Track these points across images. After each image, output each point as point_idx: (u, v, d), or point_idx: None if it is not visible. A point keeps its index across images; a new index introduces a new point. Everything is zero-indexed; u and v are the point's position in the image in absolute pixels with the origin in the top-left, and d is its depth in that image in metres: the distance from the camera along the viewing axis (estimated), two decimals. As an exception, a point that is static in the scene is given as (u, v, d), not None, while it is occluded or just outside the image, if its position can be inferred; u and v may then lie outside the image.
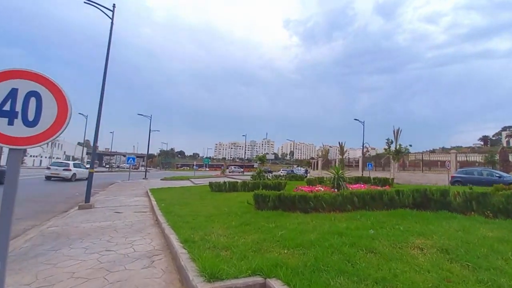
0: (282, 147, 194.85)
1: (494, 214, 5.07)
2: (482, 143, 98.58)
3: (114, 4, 9.65)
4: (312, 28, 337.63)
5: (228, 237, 4.16)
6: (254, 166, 64.96)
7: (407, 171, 24.72)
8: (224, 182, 11.89)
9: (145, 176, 27.65)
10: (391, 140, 23.56)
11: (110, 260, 3.66)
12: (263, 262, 2.97)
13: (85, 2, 9.05)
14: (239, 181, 12.79)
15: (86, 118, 40.98)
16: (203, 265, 2.93)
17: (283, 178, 18.57)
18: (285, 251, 3.42)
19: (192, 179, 23.50)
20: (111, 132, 60.93)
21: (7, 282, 1.74)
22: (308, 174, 34.89)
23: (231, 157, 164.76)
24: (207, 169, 65.30)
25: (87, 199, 8.41)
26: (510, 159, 20.81)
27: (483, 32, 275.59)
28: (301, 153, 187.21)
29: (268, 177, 18.92)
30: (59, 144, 71.89)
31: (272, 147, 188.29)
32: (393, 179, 14.49)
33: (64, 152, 74.42)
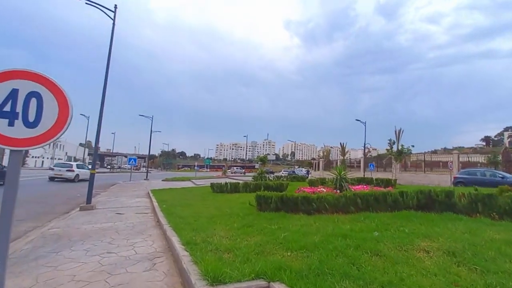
0: (283, 147, 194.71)
1: (500, 216, 5.00)
2: (484, 143, 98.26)
3: (115, 5, 9.65)
4: (313, 29, 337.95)
5: (231, 239, 4.11)
6: (255, 167, 64.93)
7: (408, 171, 24.60)
8: (226, 183, 11.86)
9: (147, 177, 27.68)
10: (393, 140, 23.38)
11: (111, 262, 3.62)
12: (266, 265, 2.92)
13: (86, 3, 9.05)
14: (240, 182, 12.75)
15: (88, 119, 41.10)
16: (206, 268, 2.88)
17: (285, 179, 18.54)
18: (289, 254, 3.37)
19: (193, 180, 23.48)
20: (112, 133, 61.25)
21: (7, 285, 1.71)
22: (310, 175, 34.81)
23: (232, 158, 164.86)
24: (207, 170, 65.36)
25: (89, 200, 8.39)
26: (513, 160, 20.65)
27: (485, 32, 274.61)
28: (302, 153, 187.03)
29: (270, 178, 18.89)
30: (60, 145, 72.12)
31: (273, 147, 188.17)
32: (395, 180, 14.40)
33: (66, 153, 74.63)
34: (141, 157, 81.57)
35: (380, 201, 5.75)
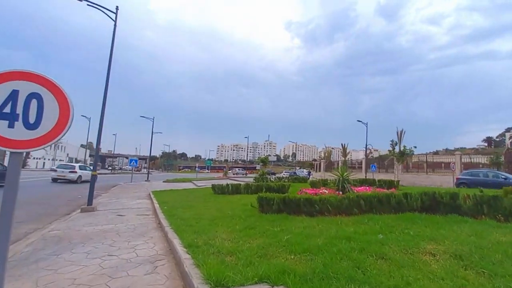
0: (284, 148, 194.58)
1: (505, 218, 4.93)
2: (486, 144, 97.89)
3: (117, 6, 9.65)
4: (313, 30, 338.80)
5: (233, 242, 4.06)
6: (256, 168, 64.86)
7: (410, 173, 24.47)
8: (227, 185, 11.81)
9: (148, 178, 27.69)
10: (396, 141, 23.27)
11: (112, 265, 3.58)
12: (269, 268, 2.87)
13: (88, 5, 9.05)
14: (242, 183, 12.70)
15: (89, 120, 41.25)
16: (208, 272, 2.83)
17: (286, 180, 18.47)
18: (292, 257, 3.32)
19: (194, 181, 23.45)
20: (113, 134, 61.18)
21: (6, 289, 1.67)
22: (311, 176, 34.70)
23: (233, 159, 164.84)
24: (208, 171, 65.30)
25: (90, 201, 8.36)
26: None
27: (485, 34, 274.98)
28: (303, 154, 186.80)
29: (271, 179, 18.83)
30: (62, 146, 72.31)
31: (274, 148, 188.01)
32: (398, 181, 14.30)
33: (67, 154, 74.79)
34: (142, 158, 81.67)
35: (383, 203, 5.69)
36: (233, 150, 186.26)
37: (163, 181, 24.67)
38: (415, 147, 22.73)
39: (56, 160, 64.45)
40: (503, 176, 15.02)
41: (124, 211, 8.16)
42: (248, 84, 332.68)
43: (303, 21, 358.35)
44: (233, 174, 53.23)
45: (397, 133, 24.17)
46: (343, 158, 37.76)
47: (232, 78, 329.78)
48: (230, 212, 6.53)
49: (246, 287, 2.60)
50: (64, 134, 2.06)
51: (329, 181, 11.42)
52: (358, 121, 32.95)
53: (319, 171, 40.13)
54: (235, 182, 13.93)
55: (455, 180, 17.05)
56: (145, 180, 25.82)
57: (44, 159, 65.77)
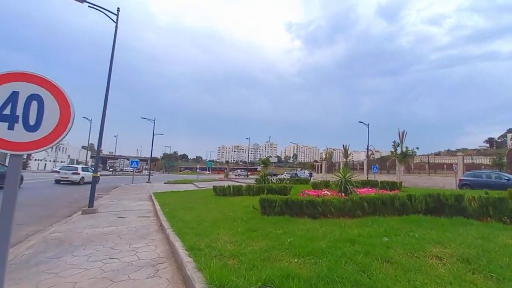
0: (285, 150, 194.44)
1: (511, 220, 4.86)
2: (487, 145, 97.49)
3: (118, 8, 9.65)
4: (314, 31, 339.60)
5: (235, 244, 4.01)
6: (257, 169, 64.77)
7: (412, 174, 24.35)
8: (229, 186, 11.75)
9: (149, 180, 27.67)
10: (398, 142, 23.12)
11: (113, 268, 3.53)
12: (273, 272, 2.82)
13: (89, 6, 9.06)
14: (243, 185, 12.65)
15: (90, 122, 41.32)
16: (211, 276, 2.79)
17: (288, 182, 18.41)
18: (296, 260, 3.26)
19: (195, 183, 23.42)
20: (115, 136, 61.34)
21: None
22: (312, 177, 34.60)
23: (234, 160, 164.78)
24: (209, 172, 65.24)
25: (91, 203, 8.32)
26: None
27: (486, 34, 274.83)
28: (304, 156, 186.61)
29: (273, 180, 18.76)
30: (63, 147, 72.46)
31: (275, 150, 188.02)
32: (401, 182, 14.20)
33: (69, 155, 74.94)
34: (143, 159, 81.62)
35: (387, 205, 5.62)
36: (234, 151, 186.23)
37: (164, 183, 24.64)
38: (418, 148, 22.59)
39: (58, 161, 64.61)
40: (506, 177, 14.90)
41: (125, 213, 8.12)
42: (248, 86, 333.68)
43: (303, 23, 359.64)
44: (235, 175, 53.16)
45: (399, 134, 24.03)
46: (345, 159, 37.60)
47: (233, 80, 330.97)
48: (232, 214, 6.48)
49: (250, 291, 2.55)
50: (65, 136, 2.03)
51: (331, 183, 11.34)
52: (359, 122, 32.84)
53: (321, 172, 40.03)
54: (237, 184, 13.87)
55: (457, 182, 16.93)
56: (146, 182, 25.80)
57: (46, 160, 65.91)
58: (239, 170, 65.84)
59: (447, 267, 2.96)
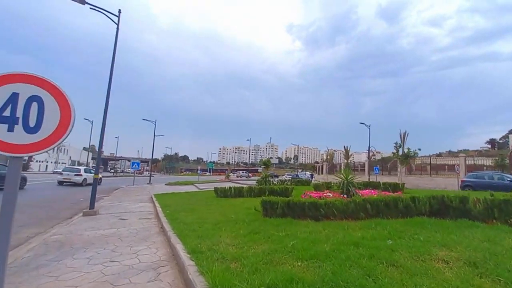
0: (286, 151, 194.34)
1: (517, 223, 4.79)
2: (489, 146, 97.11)
3: (119, 10, 9.67)
4: (315, 32, 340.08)
5: (237, 247, 3.96)
6: (258, 170, 64.65)
7: (414, 175, 24.21)
8: (230, 188, 11.70)
9: (150, 181, 27.64)
10: (399, 144, 22.98)
11: (114, 272, 3.49)
12: (276, 276, 2.77)
13: (90, 8, 9.06)
14: (244, 186, 12.59)
15: (92, 123, 41.35)
16: (213, 280, 2.74)
17: (289, 183, 18.34)
18: (299, 264, 3.21)
19: (196, 184, 23.35)
20: (116, 137, 61.26)
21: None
22: (313, 179, 34.50)
23: (235, 162, 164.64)
24: (210, 173, 65.18)
25: (92, 205, 8.29)
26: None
27: (487, 35, 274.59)
28: (305, 157, 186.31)
29: (274, 181, 18.69)
30: (64, 149, 72.63)
31: (276, 151, 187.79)
32: (403, 184, 14.11)
33: (70, 157, 75.08)
34: (144, 161, 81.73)
35: (391, 207, 5.56)
36: (235, 152, 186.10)
37: (165, 184, 24.59)
38: (419, 149, 22.45)
39: (59, 163, 64.70)
40: (508, 179, 14.79)
41: (126, 214, 8.08)
42: (249, 87, 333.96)
43: (304, 24, 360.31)
44: (237, 176, 53.09)
45: (400, 135, 23.89)
46: (346, 161, 37.47)
47: (234, 81, 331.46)
48: (234, 216, 6.43)
49: (253, 296, 2.50)
50: (66, 138, 2.00)
51: (332, 184, 11.28)
52: (361, 123, 32.78)
53: (322, 173, 39.90)
54: (238, 185, 13.82)
55: (460, 183, 16.82)
56: (147, 183, 25.78)
57: (47, 162, 66.06)
58: (241, 172, 65.77)
59: (454, 271, 2.90)
